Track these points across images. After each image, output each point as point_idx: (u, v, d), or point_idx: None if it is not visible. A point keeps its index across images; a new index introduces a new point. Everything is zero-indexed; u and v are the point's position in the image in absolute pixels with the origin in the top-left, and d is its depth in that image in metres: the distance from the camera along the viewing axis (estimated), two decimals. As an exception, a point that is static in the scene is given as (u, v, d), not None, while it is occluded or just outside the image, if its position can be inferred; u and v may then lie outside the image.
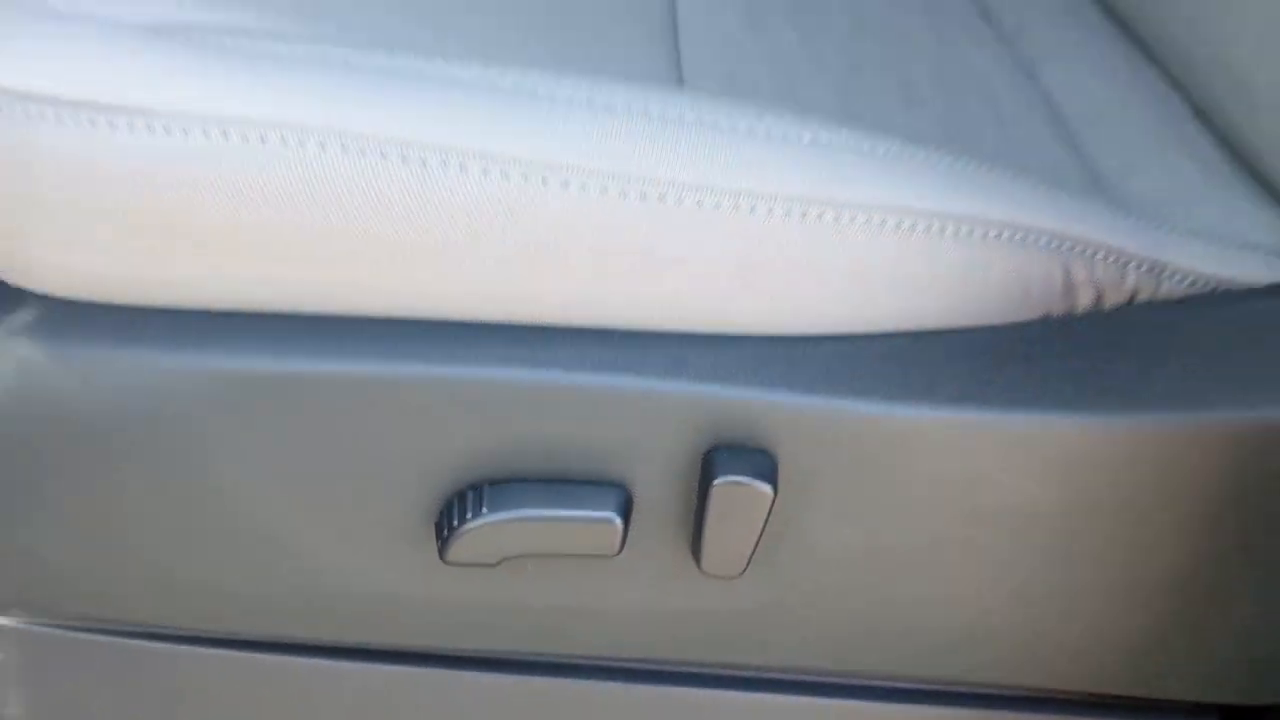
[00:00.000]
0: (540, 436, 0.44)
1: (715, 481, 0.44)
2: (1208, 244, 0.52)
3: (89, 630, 0.51)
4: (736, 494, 0.44)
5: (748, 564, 0.46)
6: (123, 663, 0.51)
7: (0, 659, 0.53)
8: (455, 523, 0.44)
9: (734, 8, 0.66)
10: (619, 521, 0.45)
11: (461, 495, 0.45)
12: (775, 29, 0.66)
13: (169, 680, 0.52)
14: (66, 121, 0.40)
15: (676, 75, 0.57)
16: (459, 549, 0.45)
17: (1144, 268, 0.49)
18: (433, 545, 0.47)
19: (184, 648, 0.51)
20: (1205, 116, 0.64)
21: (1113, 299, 0.49)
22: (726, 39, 0.62)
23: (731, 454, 0.44)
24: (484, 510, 0.44)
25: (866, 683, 0.53)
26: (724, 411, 0.44)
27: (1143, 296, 0.50)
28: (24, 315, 0.44)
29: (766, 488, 0.44)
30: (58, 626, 0.51)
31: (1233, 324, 0.48)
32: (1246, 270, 0.51)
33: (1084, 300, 0.48)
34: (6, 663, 0.53)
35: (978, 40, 0.71)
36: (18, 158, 0.41)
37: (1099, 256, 0.48)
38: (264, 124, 0.39)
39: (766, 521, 0.45)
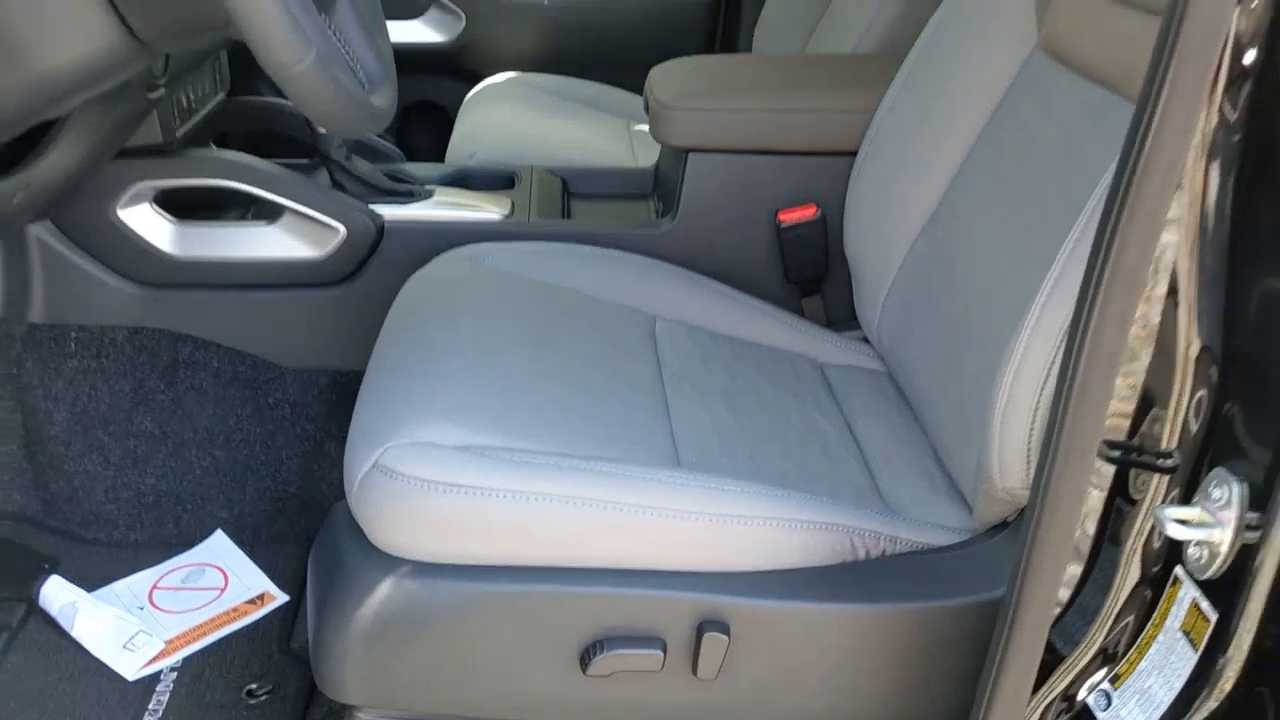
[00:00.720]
0: (632, 618, 1.03)
1: (703, 636, 1.02)
2: (922, 526, 1.14)
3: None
4: (712, 640, 1.03)
5: (718, 673, 1.04)
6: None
7: (357, 738, 1.08)
8: (590, 656, 1.02)
9: (695, 398, 1.28)
10: (661, 655, 1.03)
11: (593, 644, 1.03)
12: (717, 410, 1.28)
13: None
14: (446, 493, 1.00)
15: (672, 443, 1.18)
16: (593, 668, 1.03)
17: (888, 539, 1.10)
18: (578, 667, 1.04)
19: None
20: (937, 455, 1.27)
21: (874, 554, 1.10)
22: (693, 419, 1.24)
23: (708, 623, 1.03)
24: (604, 651, 1.02)
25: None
26: (706, 606, 1.03)
27: (889, 552, 1.10)
28: (405, 569, 1.03)
29: (724, 637, 1.02)
30: (399, 717, 1.07)
31: (927, 566, 1.09)
32: (939, 539, 1.13)
33: (860, 554, 1.09)
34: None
35: (822, 408, 1.34)
36: (420, 505, 1.01)
37: (868, 535, 1.09)
38: (540, 494, 1.00)
39: (726, 654, 1.03)
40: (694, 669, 1.04)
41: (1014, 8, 1.35)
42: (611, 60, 2.43)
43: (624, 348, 1.35)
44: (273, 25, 0.90)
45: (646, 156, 1.94)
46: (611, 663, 1.03)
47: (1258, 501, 0.81)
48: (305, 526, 1.58)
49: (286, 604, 1.48)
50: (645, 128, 1.67)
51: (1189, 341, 0.85)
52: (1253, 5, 0.76)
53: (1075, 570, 0.92)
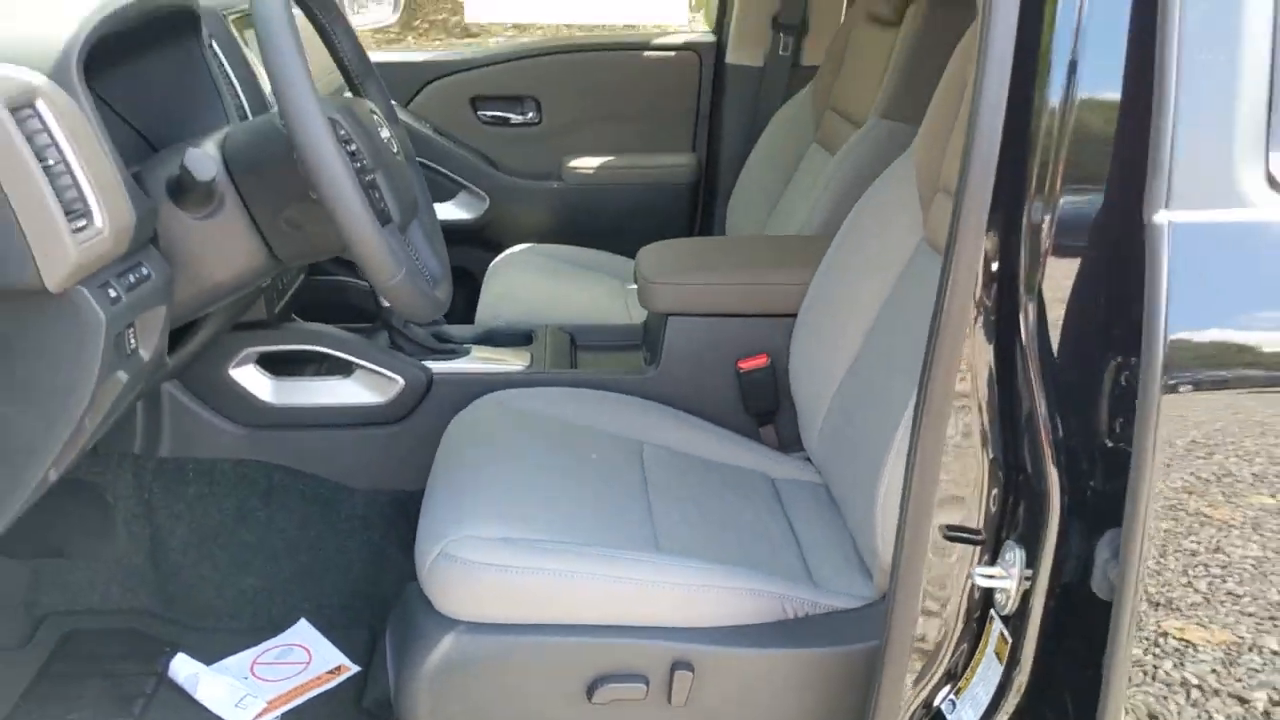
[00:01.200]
0: (624, 660, 1.44)
1: (675, 673, 1.43)
2: (837, 594, 1.55)
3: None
4: (682, 677, 1.43)
5: (686, 701, 1.44)
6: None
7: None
8: (594, 689, 1.43)
9: (672, 503, 1.70)
10: (645, 688, 1.44)
11: (596, 680, 1.44)
12: (689, 511, 1.70)
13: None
14: (493, 571, 1.43)
15: (654, 535, 1.60)
16: (595, 698, 1.43)
17: (810, 604, 1.51)
18: (585, 697, 1.44)
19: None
20: (855, 542, 1.68)
21: (800, 614, 1.51)
22: (670, 518, 1.66)
23: (679, 664, 1.44)
24: (603, 685, 1.43)
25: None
26: (677, 651, 1.44)
27: (811, 614, 1.51)
28: (461, 627, 1.44)
29: (691, 674, 1.43)
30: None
31: (837, 622, 1.51)
32: (848, 603, 1.54)
33: (790, 615, 1.50)
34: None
35: (770, 510, 1.77)
36: (474, 580, 1.43)
37: (797, 601, 1.51)
38: (560, 571, 1.43)
39: (691, 687, 1.44)
40: (669, 699, 1.45)
41: (908, 208, 1.81)
42: (610, 231, 2.92)
43: (618, 467, 1.78)
44: (376, 254, 1.35)
45: (638, 312, 2.39)
46: (608, 694, 1.44)
47: (1030, 561, 1.23)
48: (371, 614, 1.98)
49: (358, 673, 1.88)
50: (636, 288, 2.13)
51: (985, 456, 1.27)
52: (991, 234, 1.21)
53: (943, 614, 1.33)
